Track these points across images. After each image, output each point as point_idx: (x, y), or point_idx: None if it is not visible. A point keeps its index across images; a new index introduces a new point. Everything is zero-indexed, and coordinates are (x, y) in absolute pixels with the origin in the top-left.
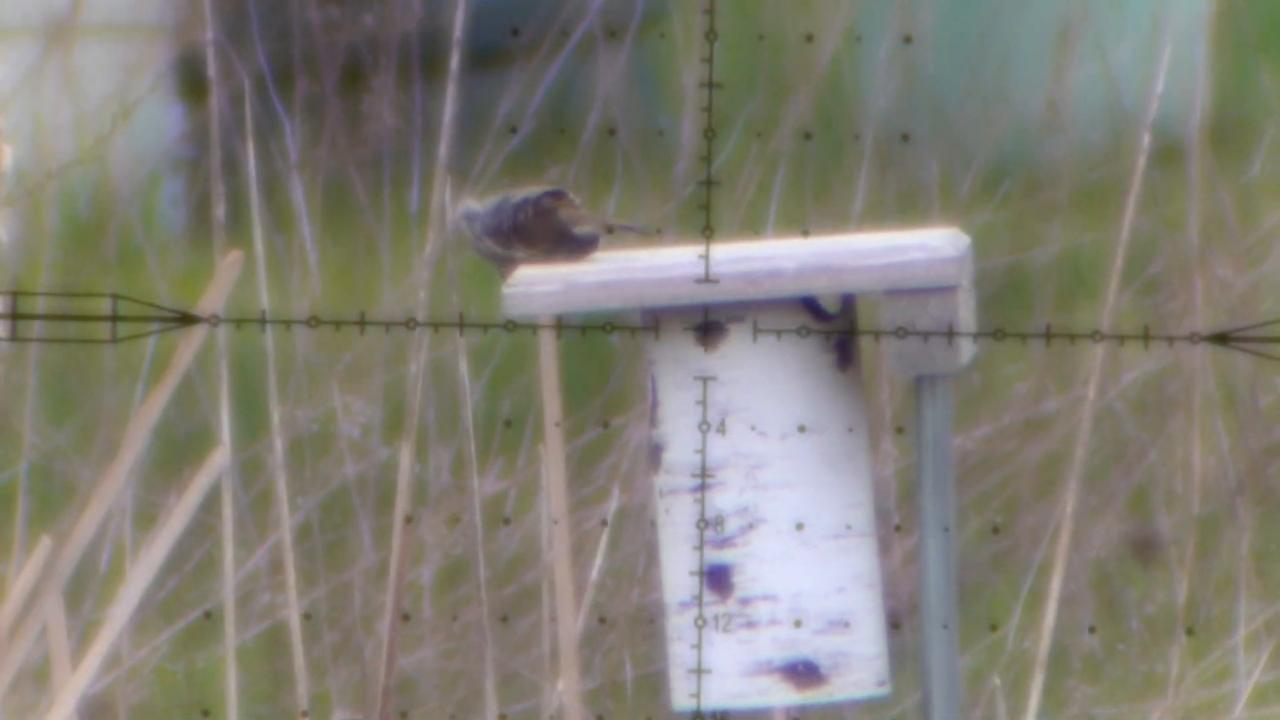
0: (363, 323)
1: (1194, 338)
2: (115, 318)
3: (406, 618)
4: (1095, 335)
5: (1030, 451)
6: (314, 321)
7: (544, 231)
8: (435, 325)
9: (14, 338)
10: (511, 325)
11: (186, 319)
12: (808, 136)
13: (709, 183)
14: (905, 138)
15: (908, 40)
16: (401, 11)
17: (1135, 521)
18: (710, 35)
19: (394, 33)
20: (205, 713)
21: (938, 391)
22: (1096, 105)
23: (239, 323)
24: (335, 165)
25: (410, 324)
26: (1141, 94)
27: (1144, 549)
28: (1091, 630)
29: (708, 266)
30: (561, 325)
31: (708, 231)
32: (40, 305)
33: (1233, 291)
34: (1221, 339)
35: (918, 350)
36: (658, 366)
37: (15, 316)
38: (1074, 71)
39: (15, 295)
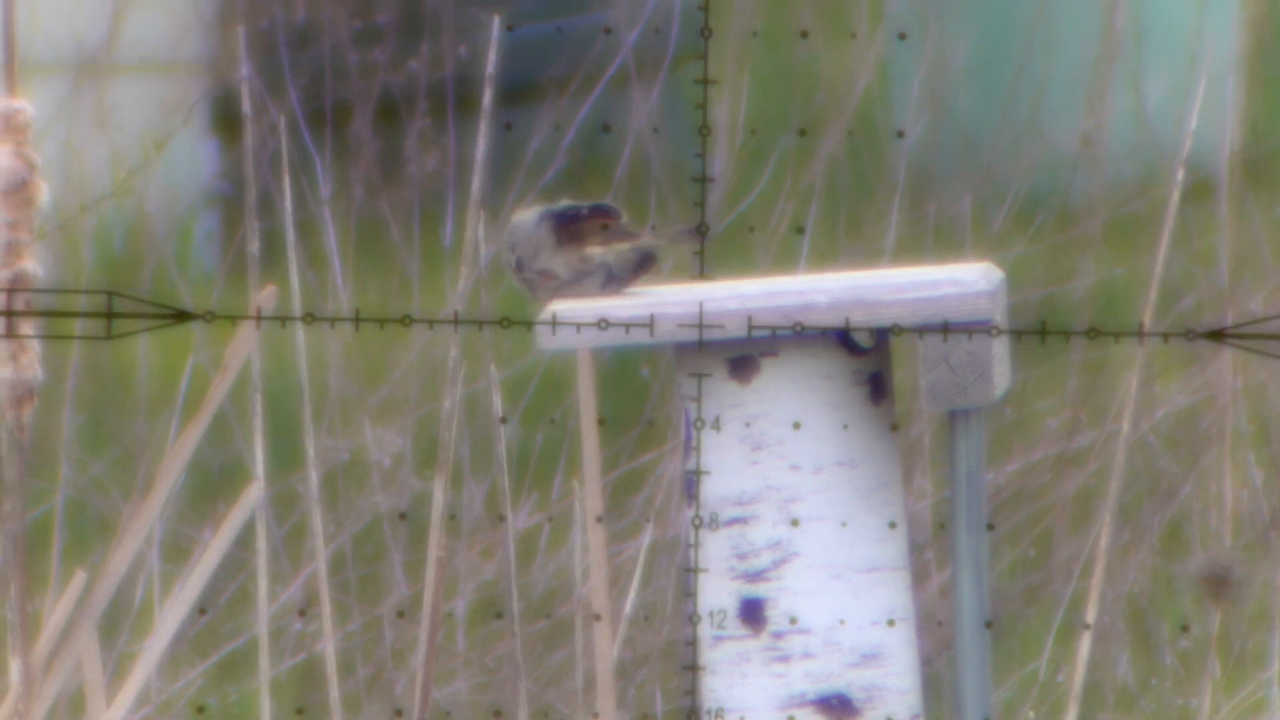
0: (357, 319)
1: (1190, 334)
2: (110, 314)
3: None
4: (1090, 332)
5: (1063, 485)
6: (308, 318)
7: (589, 243)
8: (479, 323)
9: (9, 334)
10: (508, 322)
11: (180, 315)
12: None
13: (704, 179)
14: (900, 135)
15: (902, 36)
16: (436, 49)
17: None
18: (705, 32)
19: (427, 70)
20: None
21: (971, 425)
22: (1129, 139)
23: (233, 319)
24: (369, 201)
25: (405, 321)
26: (1175, 128)
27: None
28: (1086, 626)
29: (702, 267)
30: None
31: (702, 227)
32: (24, 302)
33: (1264, 327)
34: (1216, 335)
35: (950, 384)
36: (689, 401)
37: (9, 314)
38: (1108, 106)
39: (10, 292)
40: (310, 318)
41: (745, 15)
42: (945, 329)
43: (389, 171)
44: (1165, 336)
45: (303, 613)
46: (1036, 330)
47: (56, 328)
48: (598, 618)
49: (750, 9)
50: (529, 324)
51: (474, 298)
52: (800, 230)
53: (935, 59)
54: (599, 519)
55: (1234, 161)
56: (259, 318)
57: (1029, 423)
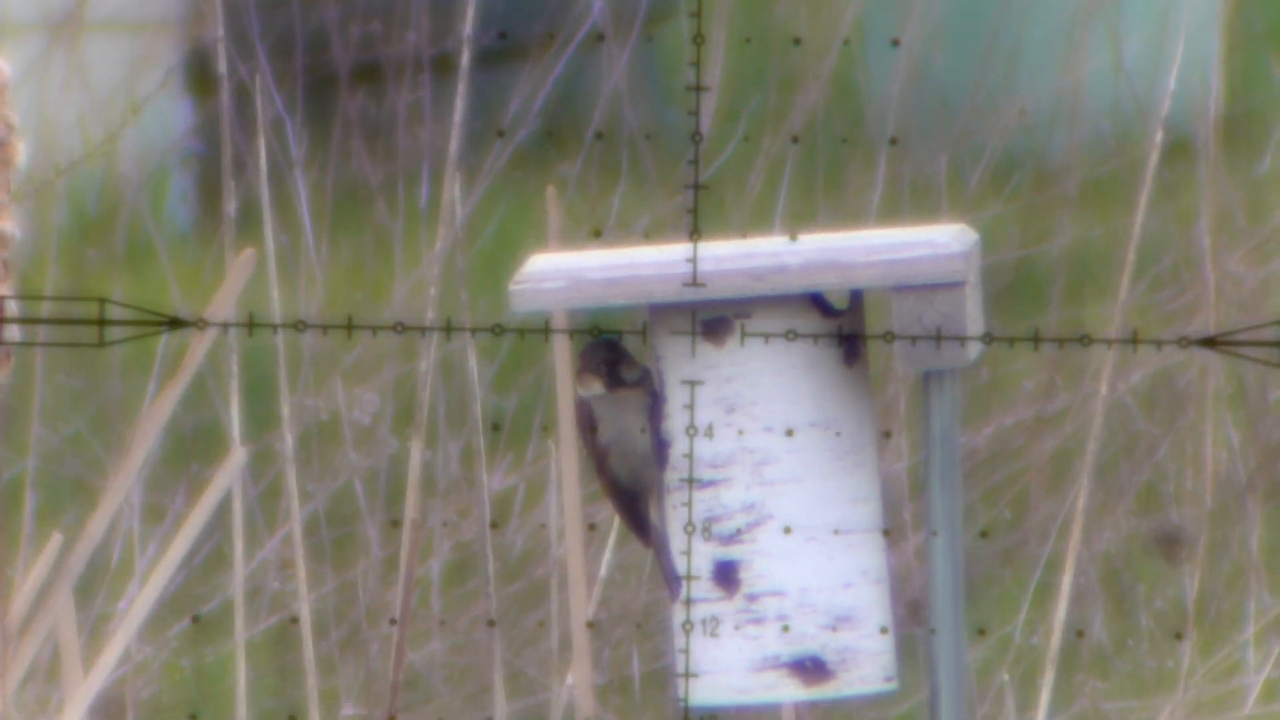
0: (350, 327)
1: (1183, 342)
2: (103, 322)
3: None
4: (1083, 339)
5: (1039, 447)
6: (301, 325)
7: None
8: (420, 329)
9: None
10: (515, 328)
11: (173, 323)
12: (794, 140)
13: (696, 186)
14: (893, 141)
15: (895, 43)
16: (412, 9)
17: (1157, 517)
18: (697, 39)
19: (403, 30)
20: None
21: (945, 386)
22: (1106, 99)
23: (225, 326)
24: (345, 162)
25: (398, 328)
26: (1152, 88)
27: (1168, 545)
28: (1079, 634)
29: (695, 271)
30: (573, 333)
31: (695, 235)
32: (31, 309)
33: (1243, 287)
34: (1210, 343)
35: (924, 345)
36: (664, 363)
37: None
38: (1084, 65)
39: None
40: (302, 325)
41: None
42: (919, 290)
43: (365, 132)
44: (1159, 344)
45: (288, 565)
46: (1029, 338)
47: (49, 334)
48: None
49: None
50: (496, 330)
51: (449, 259)
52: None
53: (909, 21)
54: (580, 529)
55: (1213, 121)
56: (251, 325)
57: (1005, 384)
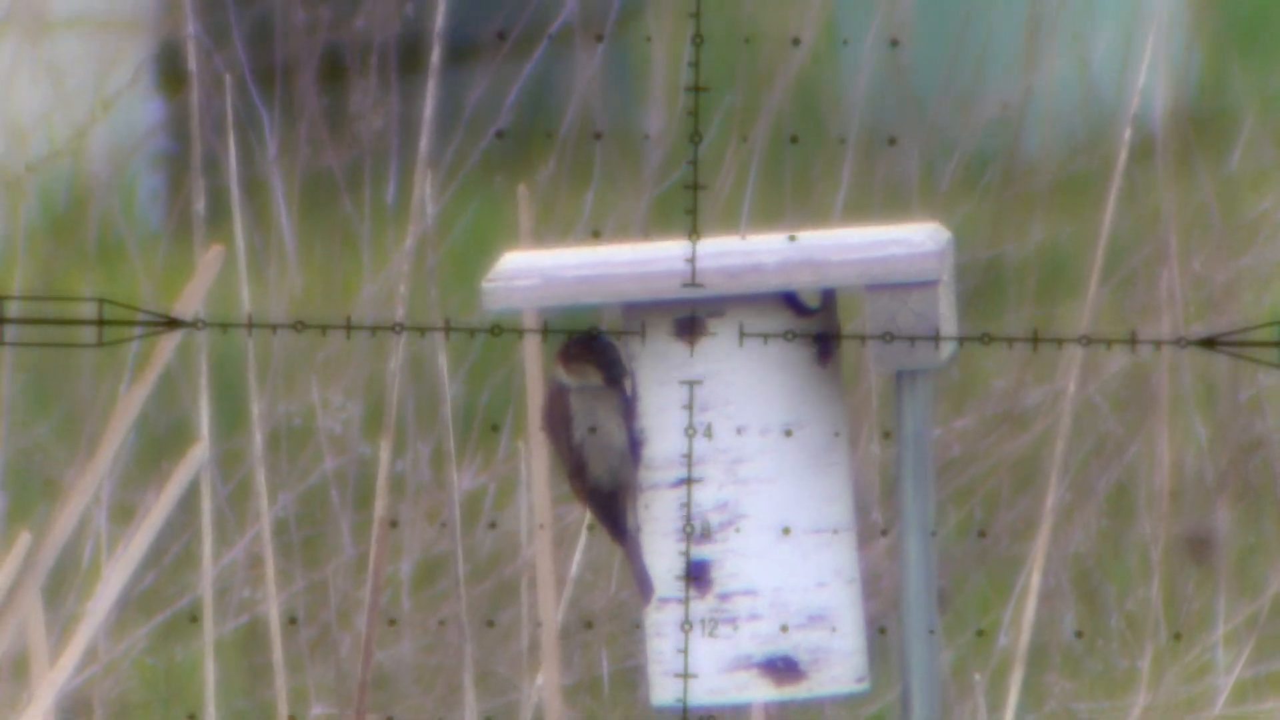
0: (349, 327)
1: (1181, 341)
2: (101, 322)
3: (392, 622)
4: (1082, 340)
5: (1010, 446)
6: (299, 326)
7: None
8: (421, 329)
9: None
10: (498, 330)
11: (172, 323)
12: (794, 140)
13: (695, 187)
14: (892, 142)
15: (894, 43)
16: (382, 6)
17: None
18: (697, 39)
19: (373, 27)
20: (189, 717)
21: (918, 386)
22: (1073, 98)
23: (224, 326)
24: (314, 160)
25: (396, 328)
26: (1119, 87)
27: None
28: (1079, 634)
29: (694, 271)
30: (547, 330)
31: (694, 236)
32: (16, 309)
33: (1212, 285)
34: (1209, 343)
35: (897, 345)
36: (638, 362)
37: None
38: (1050, 64)
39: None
40: (301, 325)
41: None
42: (893, 289)
43: (334, 129)
44: (1157, 344)
45: (257, 565)
46: (1029, 338)
47: (46, 334)
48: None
49: None
50: (470, 330)
51: (419, 257)
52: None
53: (884, 23)
54: (541, 526)
55: (1180, 119)
56: (250, 325)
57: (975, 383)
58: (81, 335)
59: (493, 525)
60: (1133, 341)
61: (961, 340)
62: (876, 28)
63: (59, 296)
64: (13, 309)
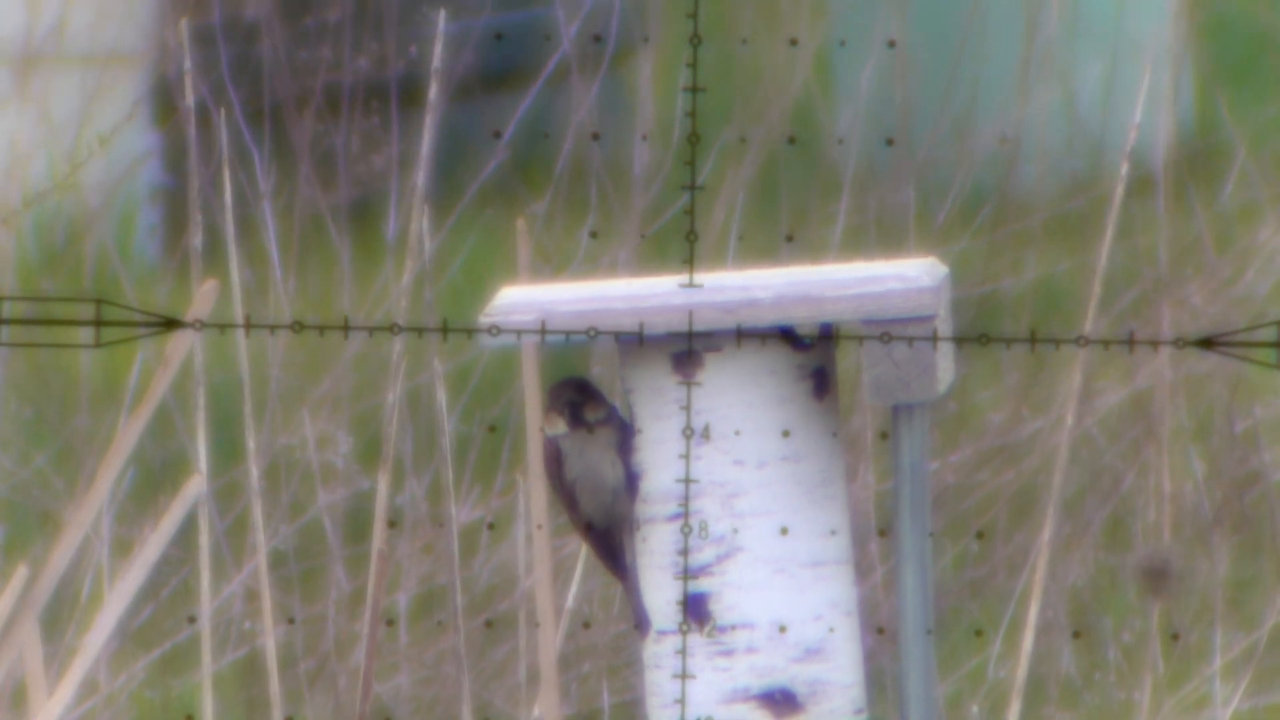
0: (346, 327)
1: (1179, 343)
2: (99, 323)
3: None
4: (1079, 340)
5: (1006, 478)
6: (297, 326)
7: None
8: (419, 330)
9: None
10: (496, 330)
11: (170, 323)
12: (790, 141)
13: (693, 187)
14: (890, 142)
15: (891, 43)
16: (379, 45)
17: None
18: (694, 40)
19: (370, 65)
20: None
21: (915, 420)
22: (1064, 134)
23: (222, 327)
24: (311, 194)
25: (394, 329)
26: (1114, 122)
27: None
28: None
29: (691, 275)
30: (545, 330)
31: (691, 236)
32: (18, 310)
33: (1204, 317)
34: (1207, 344)
35: (894, 379)
36: (635, 395)
37: None
38: (1041, 100)
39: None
40: (299, 325)
41: (684, 20)
42: (889, 324)
43: (331, 166)
44: (1155, 344)
45: (253, 598)
46: (1026, 339)
47: (44, 335)
48: (537, 624)
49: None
50: (469, 331)
51: (417, 291)
52: (790, 239)
53: (876, 59)
54: (539, 526)
55: (1174, 156)
56: (248, 325)
57: (971, 416)
58: (80, 336)
59: (505, 562)
60: (1131, 342)
61: (961, 341)
62: (872, 61)
63: (58, 298)
64: (8, 309)
